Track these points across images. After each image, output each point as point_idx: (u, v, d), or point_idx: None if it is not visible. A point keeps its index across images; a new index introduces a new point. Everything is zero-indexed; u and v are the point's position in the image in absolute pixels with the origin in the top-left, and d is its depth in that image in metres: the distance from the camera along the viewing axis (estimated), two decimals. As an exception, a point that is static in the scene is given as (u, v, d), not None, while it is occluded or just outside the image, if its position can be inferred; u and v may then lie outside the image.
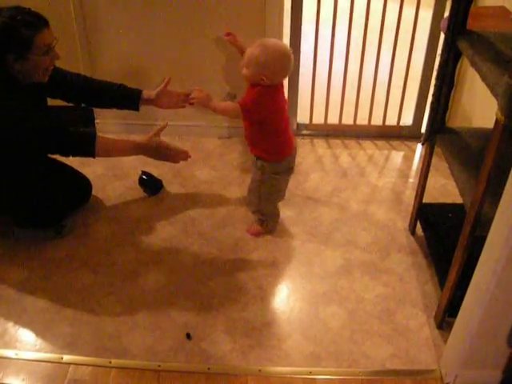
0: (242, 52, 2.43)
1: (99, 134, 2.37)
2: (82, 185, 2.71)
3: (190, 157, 2.54)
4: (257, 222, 2.56)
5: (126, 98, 2.61)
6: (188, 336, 2.05)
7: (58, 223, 2.56)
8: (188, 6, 2.86)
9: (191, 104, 2.31)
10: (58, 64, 2.41)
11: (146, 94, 2.60)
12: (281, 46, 2.18)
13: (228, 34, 2.60)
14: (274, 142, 2.31)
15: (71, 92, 2.58)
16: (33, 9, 2.18)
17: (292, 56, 2.17)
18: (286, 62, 2.16)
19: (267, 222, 2.54)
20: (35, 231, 2.53)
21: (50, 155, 2.47)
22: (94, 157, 2.33)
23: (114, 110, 2.69)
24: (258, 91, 2.17)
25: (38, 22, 2.16)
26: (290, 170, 2.44)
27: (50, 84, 2.38)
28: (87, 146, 2.31)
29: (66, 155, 2.39)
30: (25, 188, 2.40)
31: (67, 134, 2.31)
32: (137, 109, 2.62)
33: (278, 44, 2.18)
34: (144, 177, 2.82)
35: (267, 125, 2.26)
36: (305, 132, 3.32)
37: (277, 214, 2.58)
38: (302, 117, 3.29)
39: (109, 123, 3.09)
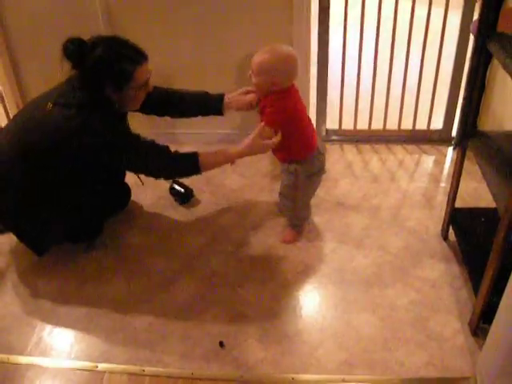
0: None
1: (197, 150, 2.35)
2: (122, 191, 2.77)
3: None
4: (289, 227, 2.56)
5: (209, 105, 2.59)
6: (221, 344, 2.05)
7: (96, 235, 2.59)
8: (213, 17, 2.89)
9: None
10: None
11: (226, 97, 2.56)
12: (286, 50, 2.20)
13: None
14: (299, 139, 2.32)
15: (154, 106, 2.57)
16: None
17: (297, 58, 2.19)
18: (293, 65, 2.18)
19: (301, 225, 2.54)
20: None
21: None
22: (200, 173, 2.33)
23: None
24: (272, 105, 2.21)
25: (139, 57, 2.17)
26: (321, 170, 2.44)
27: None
28: (193, 167, 2.31)
29: (172, 178, 2.50)
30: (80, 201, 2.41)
31: (172, 159, 2.31)
32: (220, 113, 2.59)
33: (284, 48, 2.20)
34: (175, 185, 2.84)
35: (290, 125, 2.27)
36: (334, 138, 3.31)
37: (308, 215, 2.59)
38: (332, 123, 3.28)
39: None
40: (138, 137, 2.27)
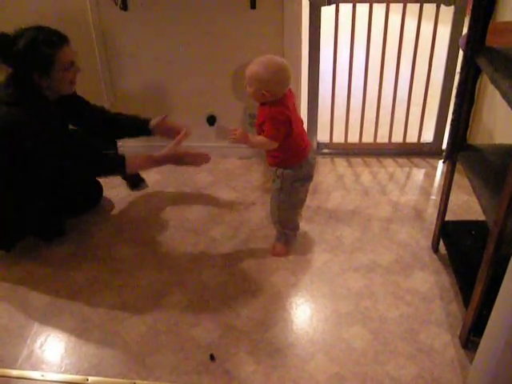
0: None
1: (125, 154, 2.54)
2: (91, 189, 2.88)
3: (210, 158, 2.66)
4: (277, 239, 2.57)
5: (139, 128, 2.78)
6: (212, 357, 2.05)
7: (60, 232, 2.71)
8: (207, 31, 2.91)
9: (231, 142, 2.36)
10: (84, 90, 2.59)
11: (151, 123, 2.77)
12: (277, 60, 2.25)
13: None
14: (290, 148, 2.34)
15: (93, 127, 2.75)
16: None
17: (289, 68, 2.24)
18: (284, 75, 2.23)
19: (287, 234, 2.55)
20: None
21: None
22: (124, 176, 2.58)
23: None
24: (270, 119, 2.24)
25: (58, 40, 2.29)
26: (309, 177, 2.46)
27: (77, 115, 2.64)
28: (120, 168, 2.50)
29: (99, 177, 2.64)
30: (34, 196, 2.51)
31: (100, 158, 2.51)
32: (150, 134, 2.79)
33: (274, 59, 2.25)
34: None
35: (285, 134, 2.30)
36: (325, 151, 3.33)
37: (296, 226, 2.58)
38: (323, 136, 3.30)
39: (130, 145, 3.11)
40: (72, 134, 2.52)
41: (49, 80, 2.32)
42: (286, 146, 2.31)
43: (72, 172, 2.47)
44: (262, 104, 2.29)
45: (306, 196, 2.54)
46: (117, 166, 2.50)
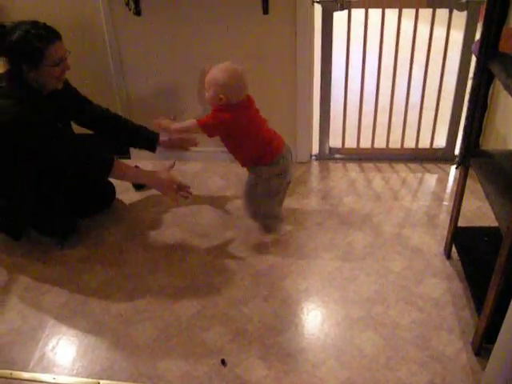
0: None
1: (117, 158, 2.56)
2: (104, 190, 2.93)
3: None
4: (261, 230, 2.70)
5: (145, 140, 2.86)
6: (223, 362, 2.05)
7: (69, 232, 2.75)
8: (219, 36, 2.93)
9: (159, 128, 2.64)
10: (97, 94, 2.66)
11: (161, 139, 2.85)
12: (233, 67, 2.39)
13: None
14: (254, 150, 2.50)
15: (93, 122, 2.82)
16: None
17: (246, 76, 2.39)
18: (239, 80, 2.37)
19: (269, 224, 2.68)
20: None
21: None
22: (106, 178, 2.59)
23: None
24: (213, 111, 2.41)
25: (49, 35, 2.36)
26: (283, 173, 2.56)
27: (77, 112, 2.72)
28: (104, 170, 2.52)
29: (81, 171, 2.59)
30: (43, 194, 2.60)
31: (88, 155, 2.52)
32: (153, 151, 2.90)
33: (232, 65, 2.39)
34: None
35: (237, 138, 2.48)
36: (337, 156, 3.33)
37: (277, 216, 2.69)
38: (335, 141, 3.30)
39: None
40: (60, 128, 2.53)
41: (36, 73, 2.37)
42: (246, 146, 2.48)
43: (58, 161, 2.50)
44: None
45: (283, 190, 2.66)
46: (103, 166, 2.51)
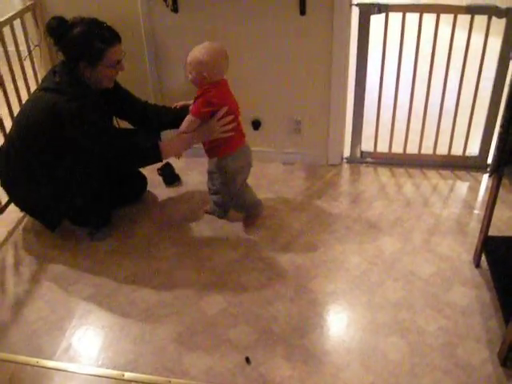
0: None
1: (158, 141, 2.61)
2: (136, 181, 2.98)
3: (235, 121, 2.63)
4: (244, 218, 2.83)
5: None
6: (247, 360, 2.06)
7: (104, 222, 2.78)
8: (256, 36, 2.95)
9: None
10: (132, 87, 2.75)
11: None
12: (215, 45, 2.45)
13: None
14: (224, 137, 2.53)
15: (135, 116, 2.84)
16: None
17: (226, 53, 2.46)
18: (221, 58, 2.44)
19: (250, 212, 2.82)
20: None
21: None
22: (162, 161, 2.62)
23: None
24: (202, 97, 2.44)
25: (112, 37, 2.40)
26: (248, 164, 2.69)
27: (120, 107, 2.73)
28: (155, 156, 2.53)
29: (138, 166, 2.77)
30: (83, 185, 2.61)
31: (137, 148, 2.55)
32: None
33: (213, 44, 2.45)
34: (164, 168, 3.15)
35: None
36: (369, 160, 3.31)
37: (252, 201, 2.80)
38: (367, 145, 3.29)
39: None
40: (107, 125, 2.60)
41: (92, 72, 2.41)
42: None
43: (108, 160, 2.54)
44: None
45: (246, 178, 2.74)
46: (152, 154, 2.52)
